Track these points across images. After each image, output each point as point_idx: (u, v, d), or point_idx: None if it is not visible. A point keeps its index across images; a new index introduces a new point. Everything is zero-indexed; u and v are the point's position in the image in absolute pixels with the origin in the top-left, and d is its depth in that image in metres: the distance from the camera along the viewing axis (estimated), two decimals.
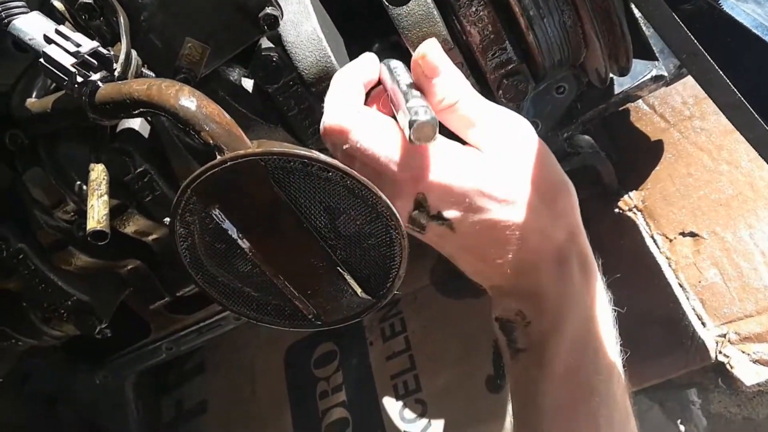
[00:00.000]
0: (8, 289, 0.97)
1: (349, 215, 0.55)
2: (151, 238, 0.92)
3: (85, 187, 0.83)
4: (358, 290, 0.60)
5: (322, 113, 0.79)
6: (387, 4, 0.70)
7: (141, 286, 0.99)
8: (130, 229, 0.88)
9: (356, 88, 0.62)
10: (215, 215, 0.54)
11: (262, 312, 0.63)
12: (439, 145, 0.59)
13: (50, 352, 1.15)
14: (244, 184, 0.53)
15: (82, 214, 0.89)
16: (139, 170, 0.80)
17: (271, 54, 0.75)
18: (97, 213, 0.58)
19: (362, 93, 0.63)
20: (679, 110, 1.00)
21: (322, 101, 0.76)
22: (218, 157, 0.52)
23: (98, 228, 0.58)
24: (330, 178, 0.52)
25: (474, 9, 0.73)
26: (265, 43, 0.76)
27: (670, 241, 0.94)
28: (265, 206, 0.54)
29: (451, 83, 0.61)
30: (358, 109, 0.60)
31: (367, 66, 0.64)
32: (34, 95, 0.73)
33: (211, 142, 0.52)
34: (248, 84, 0.81)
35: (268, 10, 0.66)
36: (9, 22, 0.58)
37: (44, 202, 0.85)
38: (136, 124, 0.84)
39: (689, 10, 0.76)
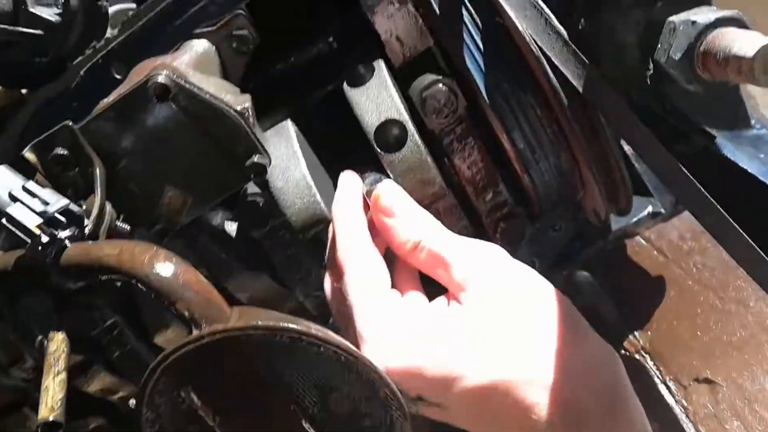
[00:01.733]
0: None
1: (342, 393, 0.48)
2: (117, 396, 0.82)
3: (45, 340, 0.76)
4: None
5: (309, 260, 0.74)
6: (379, 151, 0.68)
7: None
8: (94, 387, 0.78)
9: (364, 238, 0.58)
10: (188, 396, 0.47)
11: None
12: (398, 322, 0.53)
13: None
14: (222, 362, 0.46)
15: (41, 371, 0.80)
16: (107, 323, 0.73)
17: (258, 199, 0.71)
18: (51, 398, 0.50)
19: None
20: (677, 245, 0.97)
21: (310, 248, 0.72)
22: (194, 331, 0.46)
23: (51, 418, 0.50)
24: (322, 353, 0.46)
25: (468, 153, 0.71)
26: (251, 186, 0.73)
27: (685, 388, 0.87)
28: (245, 385, 0.47)
29: (410, 221, 0.57)
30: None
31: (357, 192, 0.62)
32: None
33: (186, 314, 0.46)
34: (232, 228, 0.76)
35: (256, 158, 0.63)
36: None
37: (2, 359, 0.77)
38: None
39: (685, 151, 0.75)
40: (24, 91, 0.78)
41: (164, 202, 0.64)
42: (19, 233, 0.50)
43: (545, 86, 0.66)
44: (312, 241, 0.72)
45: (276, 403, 0.48)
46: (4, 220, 0.51)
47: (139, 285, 0.47)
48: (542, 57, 0.63)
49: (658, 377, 0.89)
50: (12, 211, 0.50)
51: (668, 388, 0.88)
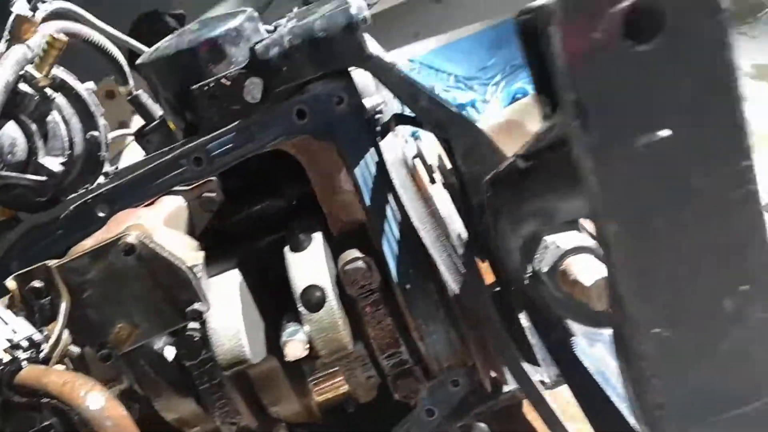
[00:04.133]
0: None
1: None
2: None
3: None
4: None
5: (230, 391, 0.86)
6: (301, 309, 0.82)
7: None
8: None
9: None
10: None
11: None
12: None
13: None
14: None
15: None
16: (44, 424, 0.83)
17: (195, 334, 0.84)
18: None
19: None
20: (565, 408, 1.10)
21: (232, 381, 0.84)
22: None
23: None
24: None
25: (378, 319, 0.86)
26: (192, 322, 0.86)
27: None
28: None
29: None
30: None
31: None
32: None
33: None
34: (170, 353, 0.88)
35: (196, 305, 0.77)
36: None
37: None
38: None
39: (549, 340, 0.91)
40: None
41: (115, 330, 0.77)
42: None
43: (443, 279, 0.82)
44: (234, 376, 0.85)
45: None
46: None
47: (74, 413, 0.59)
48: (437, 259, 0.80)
49: None
50: None
51: None
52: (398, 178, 0.83)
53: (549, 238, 0.81)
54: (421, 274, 0.83)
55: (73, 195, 0.90)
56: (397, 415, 1.00)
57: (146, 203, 0.87)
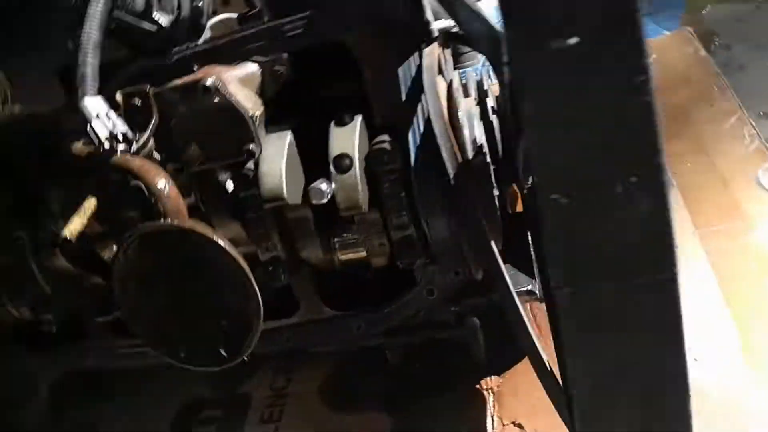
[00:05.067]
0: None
1: (232, 290, 0.80)
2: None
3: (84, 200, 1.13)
4: (221, 347, 0.84)
5: (269, 223, 1.07)
6: (332, 170, 1.00)
7: (95, 300, 1.24)
8: (106, 254, 1.15)
9: None
10: (147, 257, 0.81)
11: (153, 340, 0.88)
12: None
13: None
14: (172, 244, 0.80)
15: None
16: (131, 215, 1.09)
17: (249, 172, 1.05)
18: (73, 227, 0.86)
19: None
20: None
21: (269, 214, 1.05)
22: (162, 221, 0.81)
23: (67, 236, 0.85)
24: (225, 259, 0.79)
25: (391, 189, 1.02)
26: (250, 163, 1.07)
27: (504, 425, 1.14)
28: (180, 263, 0.81)
29: None
30: None
31: None
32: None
33: (162, 211, 0.81)
34: (230, 186, 1.11)
35: (251, 146, 0.98)
36: (81, 98, 0.90)
37: (56, 212, 1.15)
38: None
39: None
40: None
41: (188, 153, 0.99)
42: (93, 137, 0.87)
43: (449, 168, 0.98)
44: (273, 213, 1.06)
45: (191, 283, 0.81)
46: (89, 127, 0.87)
47: (146, 187, 0.82)
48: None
49: (489, 413, 1.16)
50: (94, 124, 0.87)
51: (493, 422, 1.14)
52: (428, 79, 0.97)
53: None
54: (431, 163, 0.98)
55: (177, 48, 1.12)
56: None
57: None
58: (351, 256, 1.16)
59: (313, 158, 1.12)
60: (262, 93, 1.08)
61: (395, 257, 1.08)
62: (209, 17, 1.15)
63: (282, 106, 1.11)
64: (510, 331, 1.29)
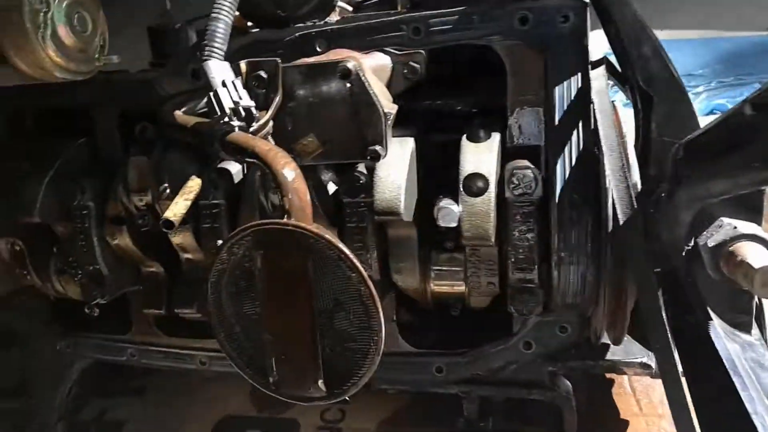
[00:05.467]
0: (53, 230, 1.10)
1: (349, 314, 0.66)
2: (186, 256, 1.04)
3: (168, 191, 1.00)
4: (320, 379, 0.69)
5: (370, 237, 0.93)
6: (462, 191, 0.86)
7: (149, 289, 1.10)
8: (176, 240, 1.01)
9: None
10: (255, 258, 0.67)
11: (238, 352, 0.73)
12: None
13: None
14: (289, 248, 0.66)
15: (151, 208, 1.04)
16: (214, 201, 0.95)
17: (361, 176, 0.92)
18: (177, 209, 0.72)
19: None
20: (655, 406, 1.08)
21: (376, 229, 0.91)
22: (285, 219, 0.66)
23: (171, 219, 0.71)
24: (352, 278, 0.65)
25: (523, 229, 0.88)
26: (361, 166, 0.94)
27: None
28: (293, 272, 0.67)
29: None
30: None
31: None
32: (182, 110, 0.92)
33: (287, 207, 0.67)
34: (331, 187, 0.97)
35: (377, 147, 0.84)
36: (206, 59, 0.77)
37: (132, 184, 1.01)
38: (235, 169, 1.01)
39: (682, 323, 0.89)
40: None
41: (303, 141, 0.86)
42: (216, 106, 0.73)
43: (603, 213, 0.83)
44: (377, 227, 0.92)
45: (303, 297, 0.67)
46: (212, 94, 0.74)
47: (270, 174, 0.68)
48: (610, 190, 0.80)
49: None
50: (220, 92, 0.74)
51: None
52: (600, 104, 0.83)
53: (726, 220, 0.79)
54: (585, 201, 0.84)
55: (300, 24, 0.99)
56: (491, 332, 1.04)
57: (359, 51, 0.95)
58: (447, 289, 1.02)
59: (428, 170, 0.99)
60: (389, 88, 0.95)
61: (509, 301, 0.93)
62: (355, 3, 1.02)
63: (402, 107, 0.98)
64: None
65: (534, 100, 0.93)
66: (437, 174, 0.98)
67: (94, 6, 0.94)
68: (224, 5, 0.78)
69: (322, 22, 0.99)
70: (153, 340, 1.16)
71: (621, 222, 0.76)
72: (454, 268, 0.99)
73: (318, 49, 0.96)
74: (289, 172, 0.69)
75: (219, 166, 1.01)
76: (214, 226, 0.97)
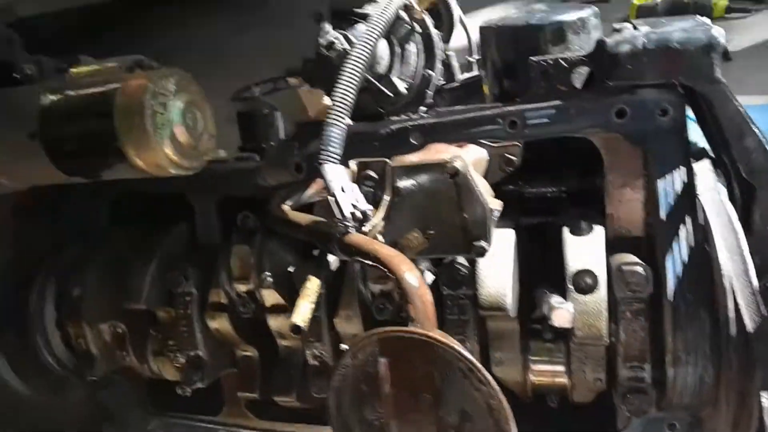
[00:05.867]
0: (153, 314, 1.14)
1: (475, 427, 0.65)
2: (284, 342, 1.06)
3: (270, 279, 1.03)
4: None
5: (471, 331, 0.93)
6: (571, 288, 0.86)
7: (244, 373, 1.12)
8: (276, 326, 1.03)
9: None
10: (380, 364, 0.68)
11: None
12: None
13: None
14: (415, 357, 0.66)
15: (250, 295, 1.07)
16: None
17: (462, 268, 0.92)
18: (304, 313, 0.74)
19: None
20: None
21: (480, 323, 0.90)
22: (410, 327, 0.67)
23: (300, 324, 0.73)
24: (482, 391, 0.64)
25: (634, 327, 0.87)
26: (461, 258, 0.94)
27: None
28: (418, 381, 0.67)
29: None
30: None
31: None
32: (288, 203, 0.95)
33: (412, 315, 0.68)
34: (429, 278, 0.98)
35: (482, 243, 0.84)
36: (323, 163, 0.80)
37: (234, 272, 1.05)
38: (333, 257, 1.03)
39: None
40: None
41: (408, 237, 0.87)
42: (336, 211, 0.76)
43: (722, 315, 0.81)
44: (479, 320, 0.92)
45: (428, 407, 0.67)
46: (331, 199, 0.77)
47: (395, 280, 0.70)
48: (731, 293, 0.78)
49: None
50: (339, 197, 0.76)
51: None
52: (712, 204, 0.82)
53: None
54: (700, 301, 0.82)
55: (395, 118, 1.02)
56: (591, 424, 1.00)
57: (455, 144, 0.97)
58: (548, 381, 0.99)
59: (526, 259, 0.98)
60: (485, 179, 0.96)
61: (619, 399, 0.90)
62: (434, 87, 1.05)
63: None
64: None
65: (633, 192, 0.93)
66: (532, 261, 0.98)
67: (204, 103, 1.00)
68: (339, 111, 0.82)
69: (416, 115, 1.02)
70: (245, 423, 1.16)
71: (749, 328, 0.74)
72: (555, 360, 0.97)
73: (413, 142, 0.99)
74: (413, 278, 0.70)
75: (317, 254, 1.04)
76: (314, 314, 0.98)
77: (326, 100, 1.16)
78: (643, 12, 2.74)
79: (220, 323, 1.07)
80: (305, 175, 1.00)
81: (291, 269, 1.04)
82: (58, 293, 1.19)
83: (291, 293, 1.02)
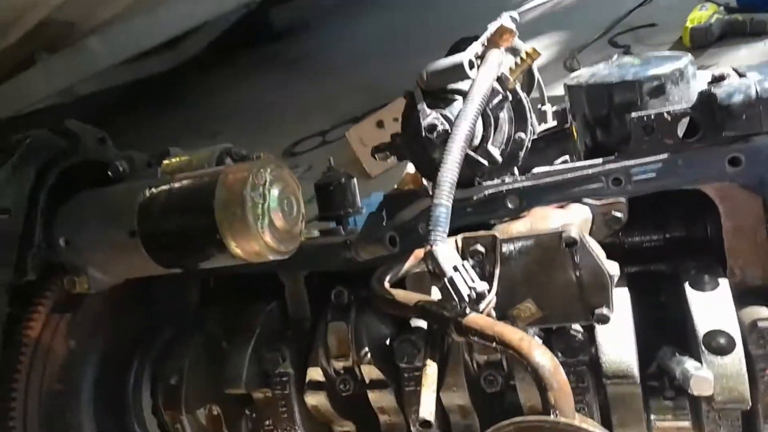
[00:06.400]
0: (249, 394, 1.12)
1: None
2: (385, 418, 1.02)
3: (369, 355, 1.00)
4: None
5: (595, 398, 0.87)
6: (705, 350, 0.80)
7: None
8: (377, 401, 1.00)
9: None
10: None
11: None
12: None
13: None
14: None
15: (349, 372, 1.04)
16: (417, 364, 0.94)
17: (578, 334, 0.88)
18: (429, 405, 0.70)
19: None
20: None
21: (596, 389, 0.85)
22: (551, 416, 0.63)
23: (428, 419, 0.70)
24: None
25: None
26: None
27: None
28: None
29: None
30: None
31: None
32: (387, 279, 0.93)
33: (551, 401, 0.63)
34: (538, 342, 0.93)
35: (603, 310, 0.80)
36: (433, 244, 0.78)
37: (332, 350, 1.02)
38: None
39: None
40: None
41: (520, 307, 0.83)
42: (452, 293, 0.73)
43: None
44: (598, 384, 0.86)
45: None
46: (446, 280, 0.74)
47: (526, 365, 0.66)
48: None
49: None
50: (455, 278, 0.74)
51: None
52: None
53: None
54: None
55: (488, 182, 0.99)
56: None
57: (555, 205, 0.94)
58: None
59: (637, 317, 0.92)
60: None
61: None
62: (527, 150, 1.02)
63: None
64: None
65: (755, 240, 0.87)
66: (646, 316, 0.92)
67: (295, 186, 1.00)
68: (444, 192, 0.80)
69: (510, 178, 0.99)
70: None
71: None
72: (681, 421, 0.90)
73: (509, 206, 0.96)
74: (547, 361, 0.66)
75: (416, 325, 1.01)
76: (417, 389, 0.95)
77: (410, 168, 1.17)
78: (697, 34, 2.65)
79: (318, 401, 1.05)
80: (400, 249, 0.98)
81: (389, 342, 1.02)
82: (153, 380, 1.19)
83: (390, 366, 1.00)
